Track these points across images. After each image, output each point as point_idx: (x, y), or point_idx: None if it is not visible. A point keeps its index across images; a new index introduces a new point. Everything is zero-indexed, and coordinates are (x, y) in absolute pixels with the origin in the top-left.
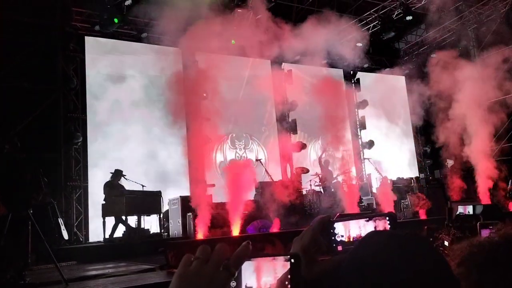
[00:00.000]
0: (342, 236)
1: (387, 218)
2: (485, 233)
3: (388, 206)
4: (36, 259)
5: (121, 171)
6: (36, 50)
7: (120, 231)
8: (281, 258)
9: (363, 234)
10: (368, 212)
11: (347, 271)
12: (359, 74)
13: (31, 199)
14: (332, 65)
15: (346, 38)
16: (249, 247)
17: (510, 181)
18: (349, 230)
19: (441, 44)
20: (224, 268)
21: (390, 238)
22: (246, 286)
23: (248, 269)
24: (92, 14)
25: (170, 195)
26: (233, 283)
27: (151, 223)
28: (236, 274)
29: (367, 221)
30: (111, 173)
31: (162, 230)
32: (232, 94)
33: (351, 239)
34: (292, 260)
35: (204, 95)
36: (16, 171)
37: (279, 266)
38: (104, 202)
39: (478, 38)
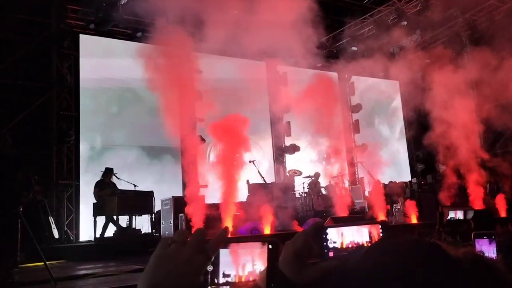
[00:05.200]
0: (335, 242)
1: (380, 225)
2: (479, 243)
3: (380, 210)
4: (25, 257)
5: (112, 169)
6: (30, 47)
7: (111, 230)
8: (259, 246)
9: (356, 241)
10: (359, 216)
11: (356, 279)
12: (354, 78)
13: (21, 197)
14: (327, 68)
15: (342, 41)
16: (228, 231)
17: None
18: (342, 237)
19: (436, 50)
20: (201, 251)
21: (404, 245)
22: (224, 273)
23: (226, 257)
24: (87, 12)
25: (163, 195)
26: (210, 268)
27: (142, 223)
28: (212, 258)
29: (361, 227)
30: (101, 171)
31: (154, 230)
32: (227, 95)
33: (344, 246)
34: (270, 246)
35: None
36: (7, 168)
37: (257, 254)
38: (95, 201)
39: (472, 45)
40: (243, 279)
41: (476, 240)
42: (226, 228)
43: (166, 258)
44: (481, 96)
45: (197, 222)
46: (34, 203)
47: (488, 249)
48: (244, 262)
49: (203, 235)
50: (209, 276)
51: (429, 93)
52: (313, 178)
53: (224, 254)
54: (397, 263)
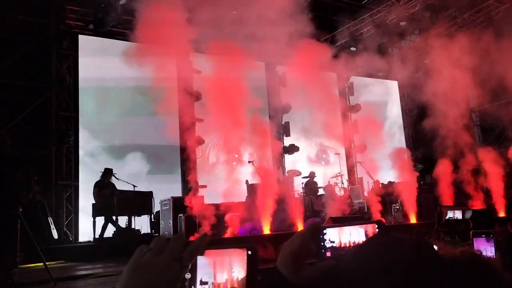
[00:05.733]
0: (333, 242)
1: (376, 225)
2: (477, 242)
3: (378, 210)
4: (24, 258)
5: (111, 170)
6: (29, 47)
7: (110, 231)
8: (238, 252)
9: (353, 240)
10: (358, 216)
11: (347, 276)
12: (352, 78)
13: (21, 197)
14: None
15: (340, 41)
16: (206, 238)
17: None
18: (340, 236)
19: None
20: (178, 259)
21: (392, 243)
22: (201, 280)
23: (203, 264)
24: (86, 13)
25: (162, 196)
26: (188, 275)
27: (141, 224)
28: (190, 266)
29: (358, 227)
30: (100, 172)
31: (153, 231)
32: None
33: (342, 245)
34: (249, 252)
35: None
36: (7, 169)
37: (235, 261)
38: (94, 202)
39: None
40: (221, 287)
41: (474, 239)
42: (205, 235)
43: (142, 267)
44: (480, 95)
45: (196, 223)
46: (33, 203)
47: (486, 248)
48: (222, 269)
49: (180, 243)
50: (187, 284)
51: (427, 92)
52: (308, 179)
53: (202, 261)
54: (386, 263)
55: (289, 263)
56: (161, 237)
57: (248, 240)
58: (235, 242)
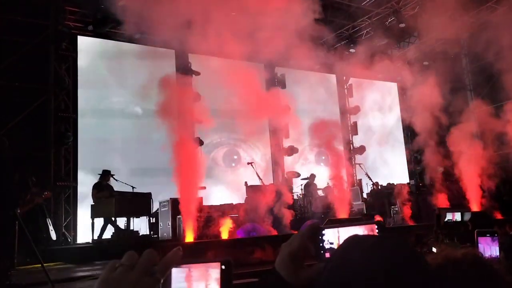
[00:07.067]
0: (332, 243)
1: (376, 225)
2: (482, 241)
3: (378, 212)
4: (22, 259)
5: (109, 171)
6: (28, 48)
7: (109, 232)
8: (213, 264)
9: None
10: (357, 218)
11: (328, 279)
12: (352, 80)
13: (18, 198)
14: (325, 70)
15: (339, 43)
16: (179, 253)
17: None
18: (339, 237)
19: (434, 52)
20: (150, 274)
21: (373, 246)
22: None
23: (179, 276)
24: (86, 14)
25: (161, 197)
26: None
27: (140, 225)
28: (162, 281)
29: (357, 228)
30: (99, 174)
31: (152, 232)
32: (225, 96)
33: None
34: (223, 267)
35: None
36: (4, 170)
37: (211, 273)
38: (93, 203)
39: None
40: None
41: (479, 238)
42: (178, 249)
43: (112, 282)
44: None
45: (195, 224)
46: (34, 205)
47: (491, 247)
48: (199, 281)
49: (152, 257)
50: None
51: (426, 94)
52: (308, 180)
53: (177, 275)
54: (365, 268)
55: (287, 264)
56: (133, 252)
57: (246, 243)
58: (212, 253)
